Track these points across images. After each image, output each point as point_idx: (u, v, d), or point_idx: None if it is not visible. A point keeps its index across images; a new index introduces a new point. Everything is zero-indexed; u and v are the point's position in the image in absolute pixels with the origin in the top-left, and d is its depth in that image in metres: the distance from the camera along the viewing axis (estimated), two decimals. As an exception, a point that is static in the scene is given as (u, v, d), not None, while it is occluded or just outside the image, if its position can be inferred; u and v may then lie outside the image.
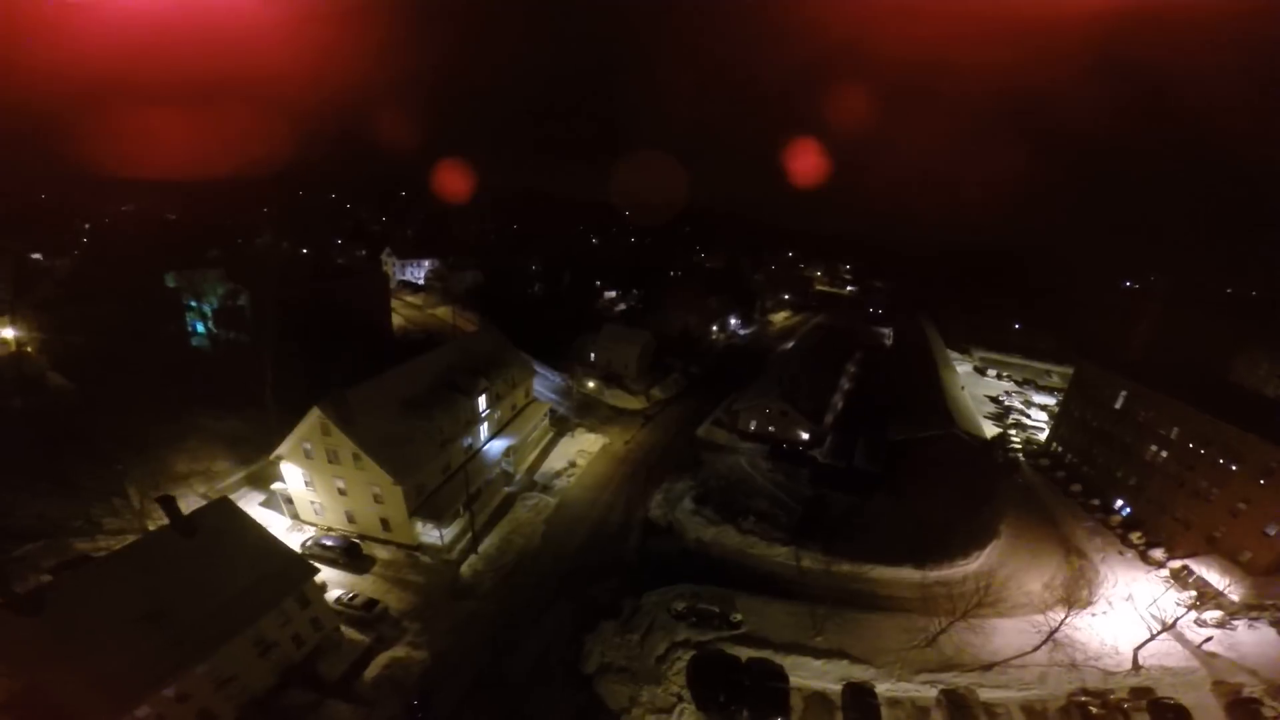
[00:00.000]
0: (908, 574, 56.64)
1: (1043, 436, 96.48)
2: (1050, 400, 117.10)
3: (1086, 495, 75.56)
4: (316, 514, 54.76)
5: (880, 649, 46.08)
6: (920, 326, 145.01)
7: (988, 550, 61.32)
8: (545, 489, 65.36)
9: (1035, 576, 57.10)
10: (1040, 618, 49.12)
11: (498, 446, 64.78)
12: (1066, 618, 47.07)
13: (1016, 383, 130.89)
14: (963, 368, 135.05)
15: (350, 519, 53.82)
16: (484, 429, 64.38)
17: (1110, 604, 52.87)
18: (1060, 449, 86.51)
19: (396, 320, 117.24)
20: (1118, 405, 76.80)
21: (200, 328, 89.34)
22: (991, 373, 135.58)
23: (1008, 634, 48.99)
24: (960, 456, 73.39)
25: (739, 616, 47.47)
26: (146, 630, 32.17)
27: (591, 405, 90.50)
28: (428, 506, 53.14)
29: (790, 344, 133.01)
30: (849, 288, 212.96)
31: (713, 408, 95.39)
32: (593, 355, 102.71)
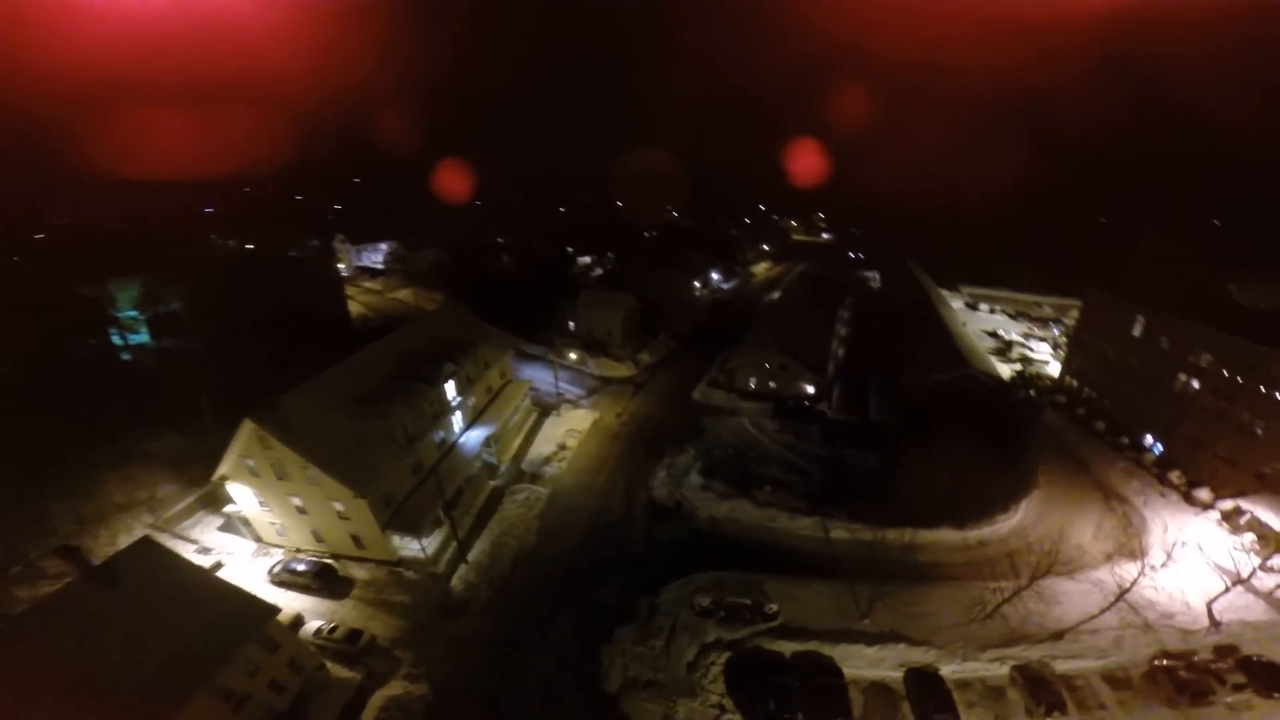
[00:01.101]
0: (948, 536, 51.32)
1: (1050, 370, 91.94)
2: (1043, 332, 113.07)
3: (1113, 433, 70.49)
4: (280, 535, 47.31)
5: (937, 627, 40.67)
6: (906, 267, 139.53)
7: (1026, 503, 56.26)
8: (535, 479, 58.30)
9: (1081, 528, 52.53)
10: (1098, 574, 44.32)
11: (476, 437, 57.20)
12: (1140, 576, 42.18)
13: (1009, 315, 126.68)
14: (954, 304, 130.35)
15: (318, 538, 46.39)
16: (457, 419, 56.63)
17: (1168, 554, 48.05)
18: (1076, 384, 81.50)
19: (355, 308, 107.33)
20: (1136, 333, 71.54)
21: (132, 339, 79.39)
22: (984, 307, 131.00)
23: (1070, 596, 43.96)
24: (980, 399, 68.35)
25: (774, 607, 41.49)
26: (67, 708, 25.10)
27: (574, 377, 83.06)
28: (401, 517, 45.73)
29: (776, 294, 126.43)
30: (825, 235, 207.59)
31: (706, 367, 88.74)
32: (572, 324, 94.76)
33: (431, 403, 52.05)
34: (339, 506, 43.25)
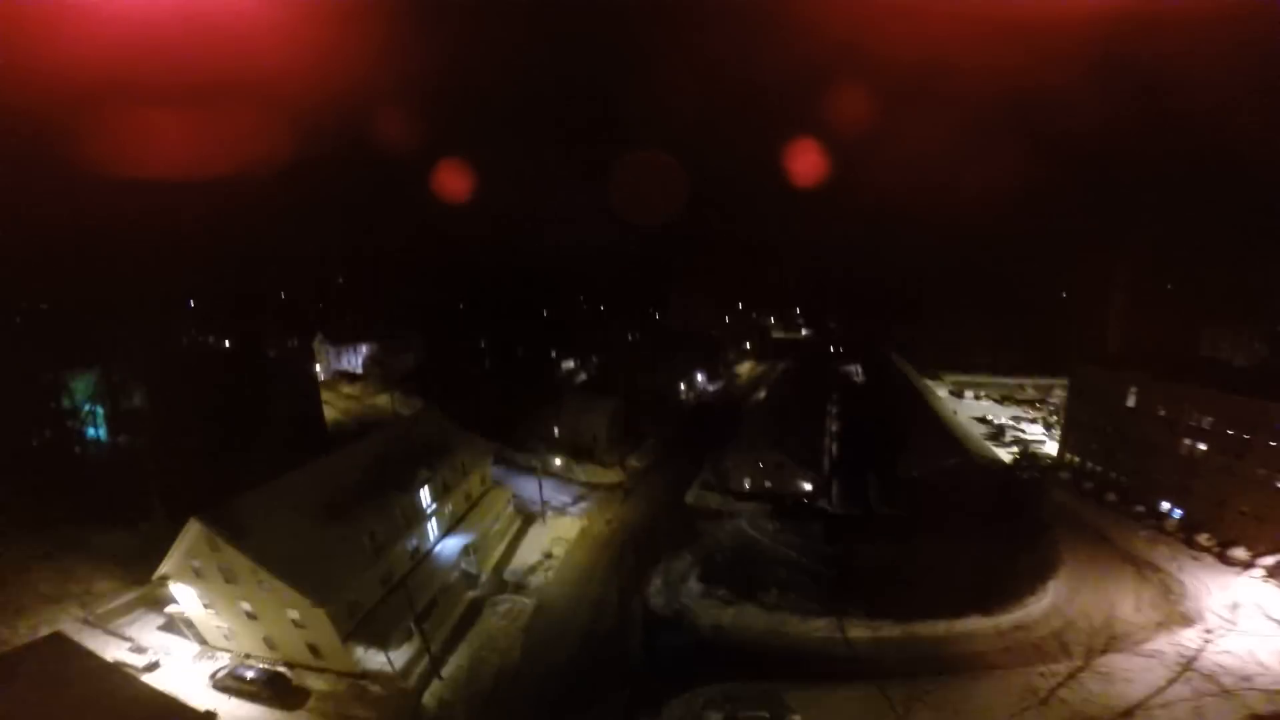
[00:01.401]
0: (977, 624, 46.45)
1: (1048, 449, 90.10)
2: (1034, 413, 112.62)
3: (1126, 503, 67.90)
4: (227, 639, 41.85)
5: (988, 724, 35.19)
6: (888, 359, 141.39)
7: (1053, 582, 51.91)
8: (519, 588, 52.87)
9: (1119, 600, 48.47)
10: (1154, 645, 40.28)
11: (453, 545, 52.44)
12: (1205, 643, 38.14)
13: (995, 400, 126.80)
14: (940, 393, 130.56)
15: (270, 645, 40.81)
16: (433, 527, 52.19)
17: (1226, 617, 44.09)
18: (1078, 459, 79.60)
19: (331, 414, 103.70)
20: (1130, 403, 71.20)
21: (89, 431, 75.37)
22: (969, 394, 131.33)
23: (1130, 671, 39.27)
24: (984, 483, 65.60)
25: (797, 718, 35.78)
26: None
27: (561, 484, 78.90)
28: (367, 627, 40.42)
29: (762, 393, 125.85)
30: (804, 330, 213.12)
31: (697, 470, 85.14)
32: (557, 430, 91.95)
33: (404, 510, 48.07)
34: (294, 614, 38.25)
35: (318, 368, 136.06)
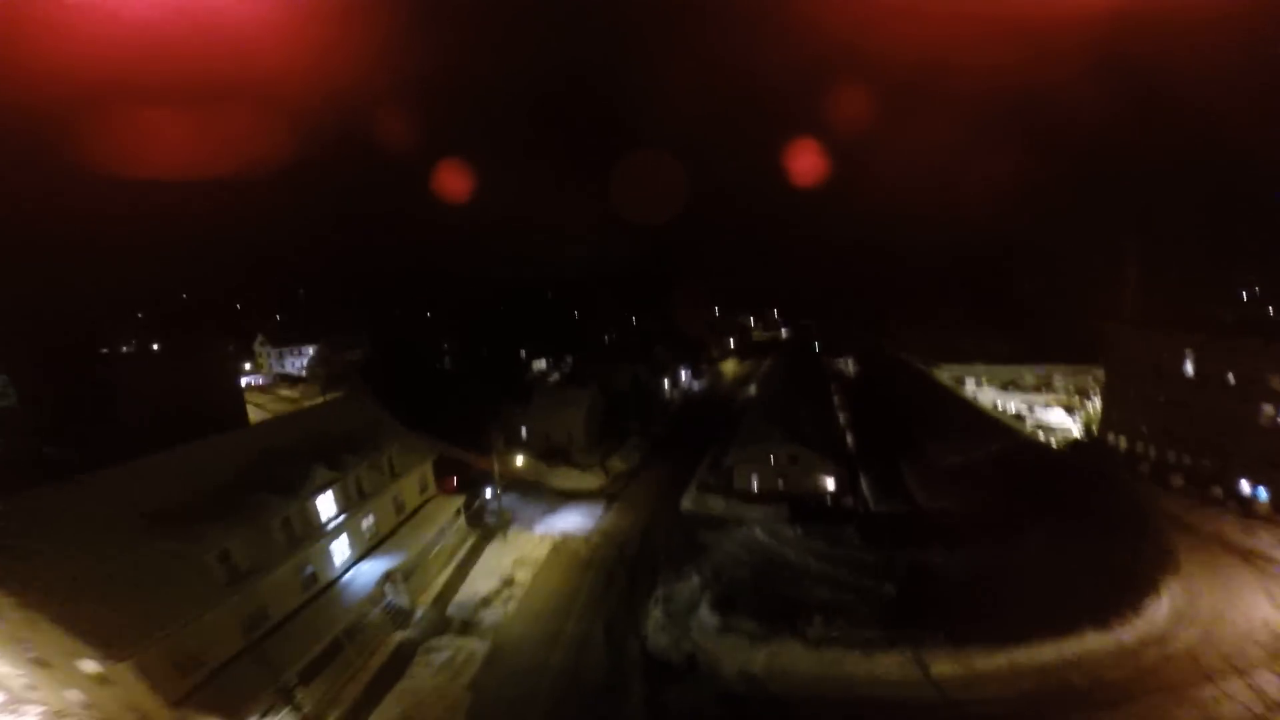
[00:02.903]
0: (1095, 641, 33.90)
1: (1076, 433, 79.44)
2: (1049, 397, 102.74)
3: (1196, 485, 56.54)
4: (32, 689, 27.23)
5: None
6: (884, 350, 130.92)
7: (1172, 581, 39.77)
8: (467, 627, 38.39)
9: (1249, 598, 37.57)
10: None
11: (372, 570, 37.75)
12: None
13: (997, 388, 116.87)
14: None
15: (84, 703, 25.95)
16: (341, 545, 37.44)
17: None
18: (1124, 440, 68.32)
19: (261, 417, 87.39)
20: (1188, 369, 60.47)
21: None
22: (970, 381, 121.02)
23: None
24: (1050, 468, 53.61)
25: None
26: None
27: (528, 493, 64.46)
28: (216, 689, 25.73)
29: (753, 387, 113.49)
30: (783, 330, 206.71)
31: (692, 471, 71.68)
32: (524, 430, 77.58)
33: (292, 521, 33.32)
34: (89, 667, 23.47)
35: (254, 377, 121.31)
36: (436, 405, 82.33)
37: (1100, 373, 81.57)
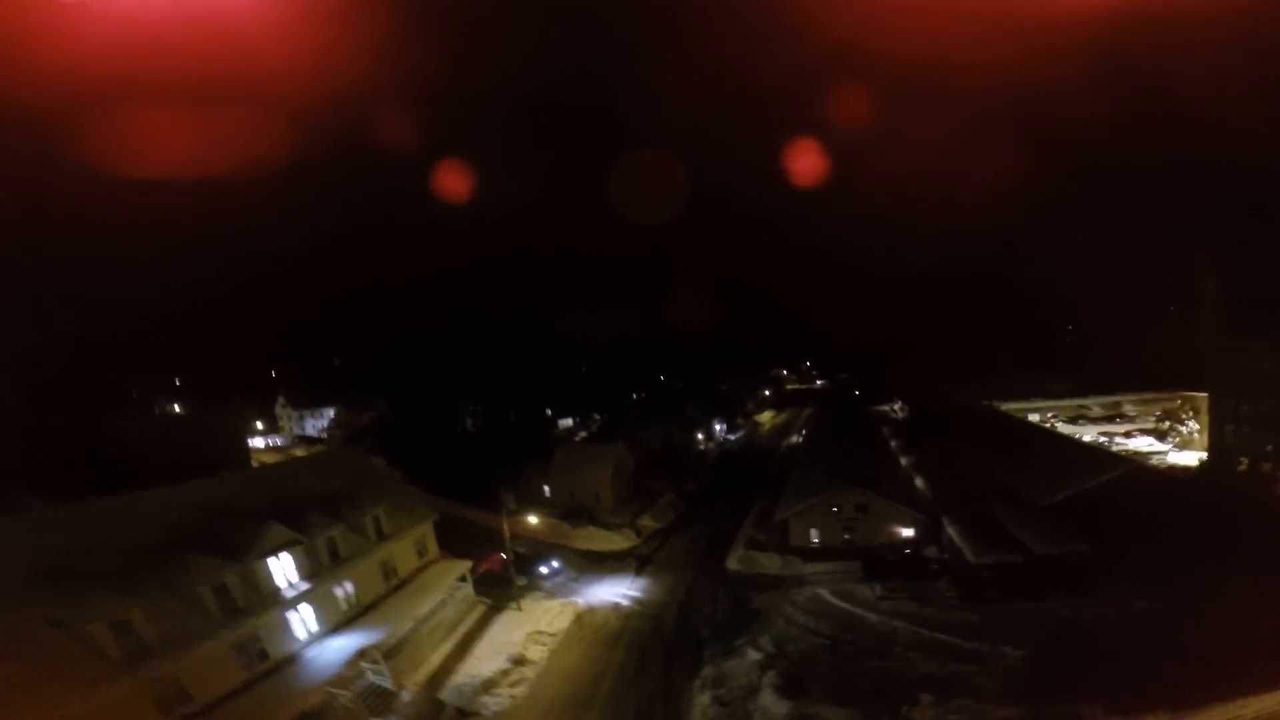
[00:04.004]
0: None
1: (1174, 459, 68.86)
2: (1119, 428, 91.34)
3: None
4: None
5: None
6: (937, 389, 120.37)
7: None
8: (463, 717, 29.66)
9: None
10: None
11: (345, 646, 29.80)
12: None
13: (1065, 421, 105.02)
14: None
15: None
16: (305, 616, 29.82)
17: None
18: (1247, 461, 57.31)
19: None
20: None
21: None
22: (1034, 417, 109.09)
23: None
24: (1180, 496, 43.35)
25: None
26: None
27: (549, 552, 55.91)
28: None
29: (798, 436, 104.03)
30: (818, 381, 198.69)
31: (736, 527, 62.48)
32: (547, 488, 69.89)
33: (226, 588, 26.11)
34: None
35: (272, 435, 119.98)
36: (456, 466, 75.65)
37: (1189, 394, 76.53)
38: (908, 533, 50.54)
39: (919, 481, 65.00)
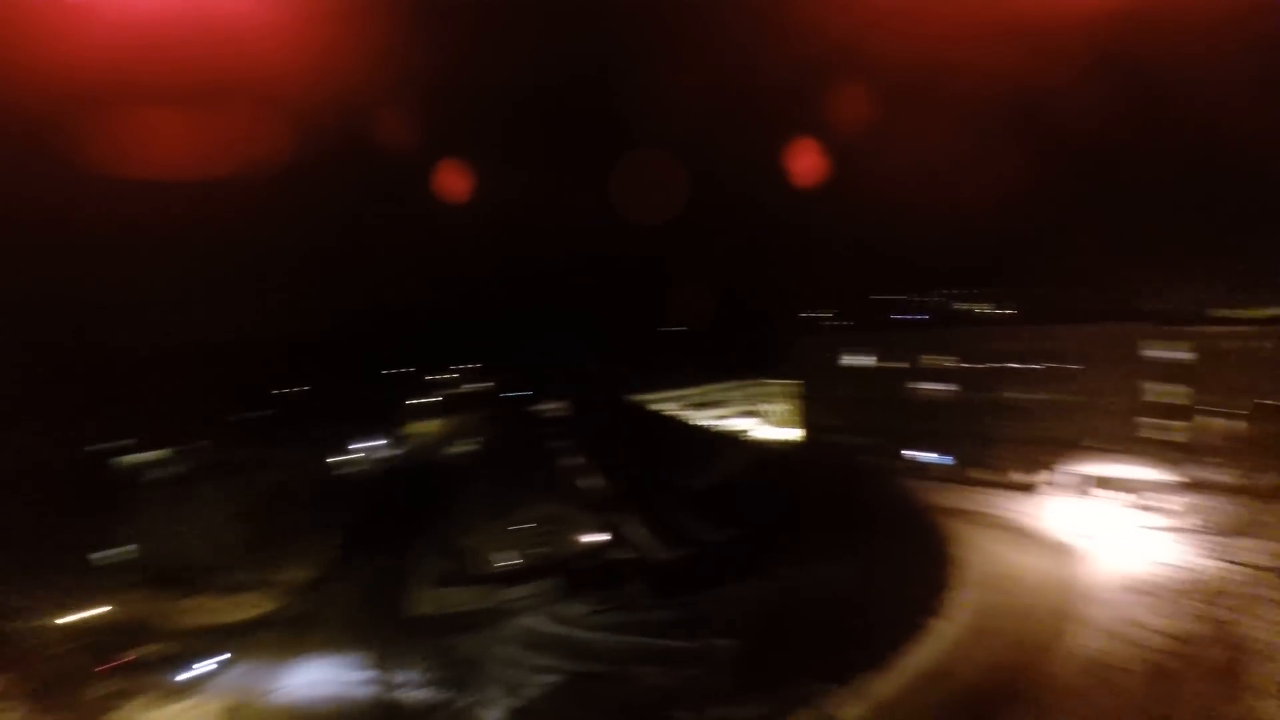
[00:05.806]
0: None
1: (763, 435, 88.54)
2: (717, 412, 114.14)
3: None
4: None
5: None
6: (591, 387, 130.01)
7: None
8: None
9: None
10: None
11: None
12: None
13: (690, 408, 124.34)
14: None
15: None
16: None
17: None
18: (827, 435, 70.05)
19: None
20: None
21: None
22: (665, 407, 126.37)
23: None
24: (801, 474, 54.71)
25: None
26: None
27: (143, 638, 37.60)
28: None
29: (460, 447, 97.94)
30: (488, 382, 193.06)
31: (410, 562, 54.02)
32: (135, 546, 47.48)
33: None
34: None
35: None
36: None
37: (771, 381, 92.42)
38: (601, 538, 51.48)
39: (595, 482, 67.98)
